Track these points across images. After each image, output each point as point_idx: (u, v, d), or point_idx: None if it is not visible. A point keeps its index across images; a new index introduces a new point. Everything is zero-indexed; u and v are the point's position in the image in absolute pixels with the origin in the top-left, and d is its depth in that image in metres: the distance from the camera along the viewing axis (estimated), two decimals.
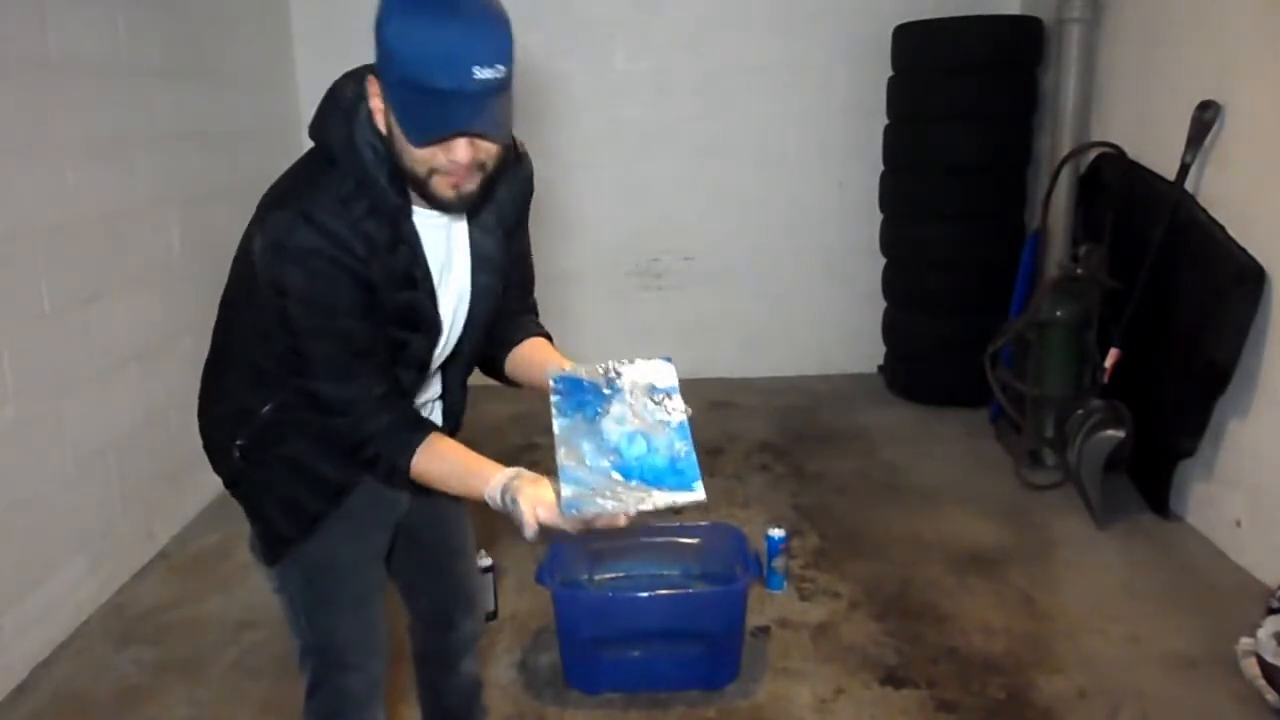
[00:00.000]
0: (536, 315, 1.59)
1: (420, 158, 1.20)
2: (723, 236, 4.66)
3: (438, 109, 1.14)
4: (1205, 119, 2.96)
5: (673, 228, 4.66)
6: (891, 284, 4.46)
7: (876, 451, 3.82)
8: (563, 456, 1.20)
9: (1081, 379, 3.37)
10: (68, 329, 2.67)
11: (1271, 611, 2.32)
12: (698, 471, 1.21)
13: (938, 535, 3.08)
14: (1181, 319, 3.07)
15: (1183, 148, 3.02)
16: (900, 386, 4.44)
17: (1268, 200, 2.76)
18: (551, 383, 1.30)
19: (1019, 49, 4.01)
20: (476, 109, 1.15)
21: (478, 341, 1.48)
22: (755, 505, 3.32)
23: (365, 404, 1.29)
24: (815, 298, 4.72)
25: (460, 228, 1.39)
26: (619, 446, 1.22)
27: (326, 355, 1.28)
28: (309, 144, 1.33)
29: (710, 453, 3.79)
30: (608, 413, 1.26)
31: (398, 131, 1.19)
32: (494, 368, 1.54)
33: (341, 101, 1.27)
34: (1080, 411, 3.21)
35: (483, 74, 1.12)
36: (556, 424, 1.24)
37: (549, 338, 1.54)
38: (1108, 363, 3.23)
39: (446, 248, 1.37)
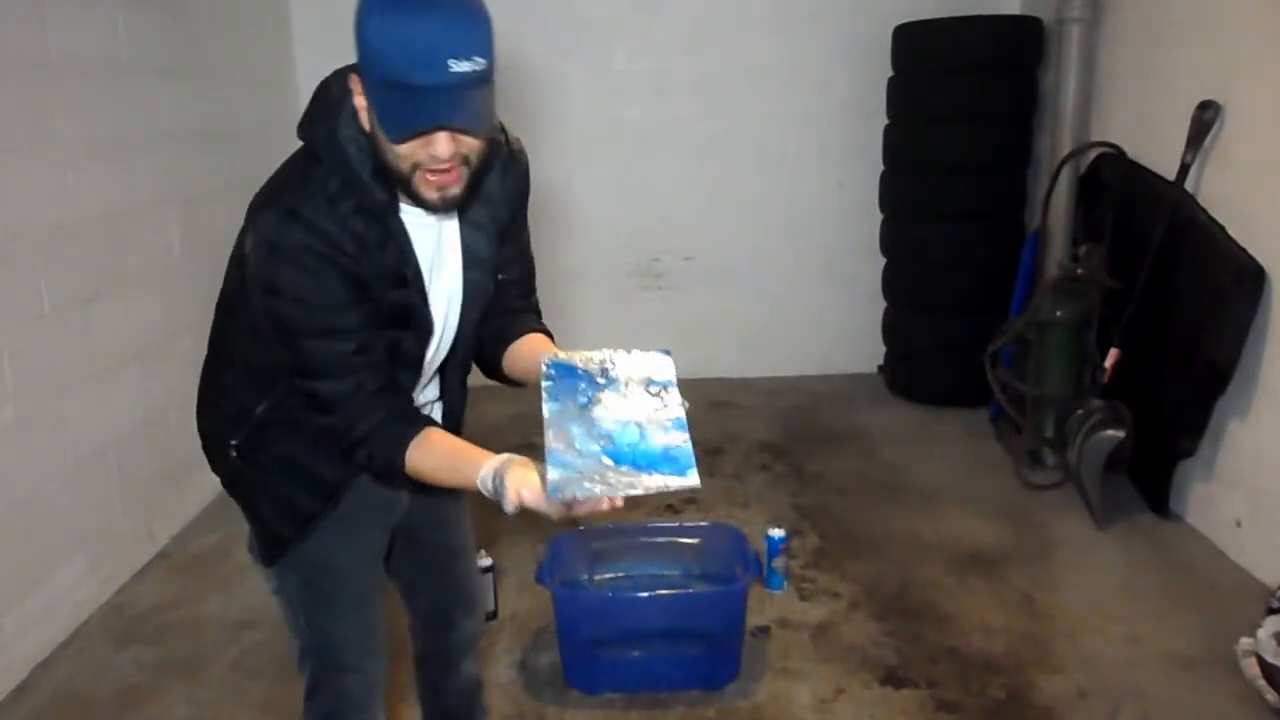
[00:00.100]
0: (538, 313, 1.58)
1: (402, 154, 1.19)
2: (723, 236, 4.66)
3: (415, 104, 1.14)
4: (1205, 119, 2.96)
5: (673, 228, 4.66)
6: (891, 284, 4.46)
7: (876, 451, 3.82)
8: (551, 440, 1.17)
9: (1081, 379, 3.37)
10: (68, 329, 2.67)
11: (1271, 611, 2.32)
12: (693, 460, 1.17)
13: (938, 535, 3.08)
14: (1181, 319, 3.07)
15: (1183, 148, 3.02)
16: (900, 386, 4.44)
17: (1268, 200, 2.76)
18: (544, 368, 1.28)
19: (1019, 49, 4.01)
20: (455, 103, 1.14)
21: (471, 340, 1.47)
22: (755, 505, 3.32)
23: (359, 401, 1.29)
24: (815, 298, 4.72)
25: (451, 225, 1.39)
26: (611, 432, 1.19)
27: (320, 353, 1.27)
28: None
29: (710, 453, 3.79)
30: (600, 401, 1.22)
31: (379, 128, 1.19)
32: (493, 367, 1.53)
33: (327, 100, 1.27)
34: (1080, 411, 3.21)
35: (459, 67, 1.11)
36: (546, 408, 1.21)
37: (549, 335, 1.53)
38: (1108, 363, 3.23)
39: (437, 245, 1.37)
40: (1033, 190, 4.16)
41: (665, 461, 1.16)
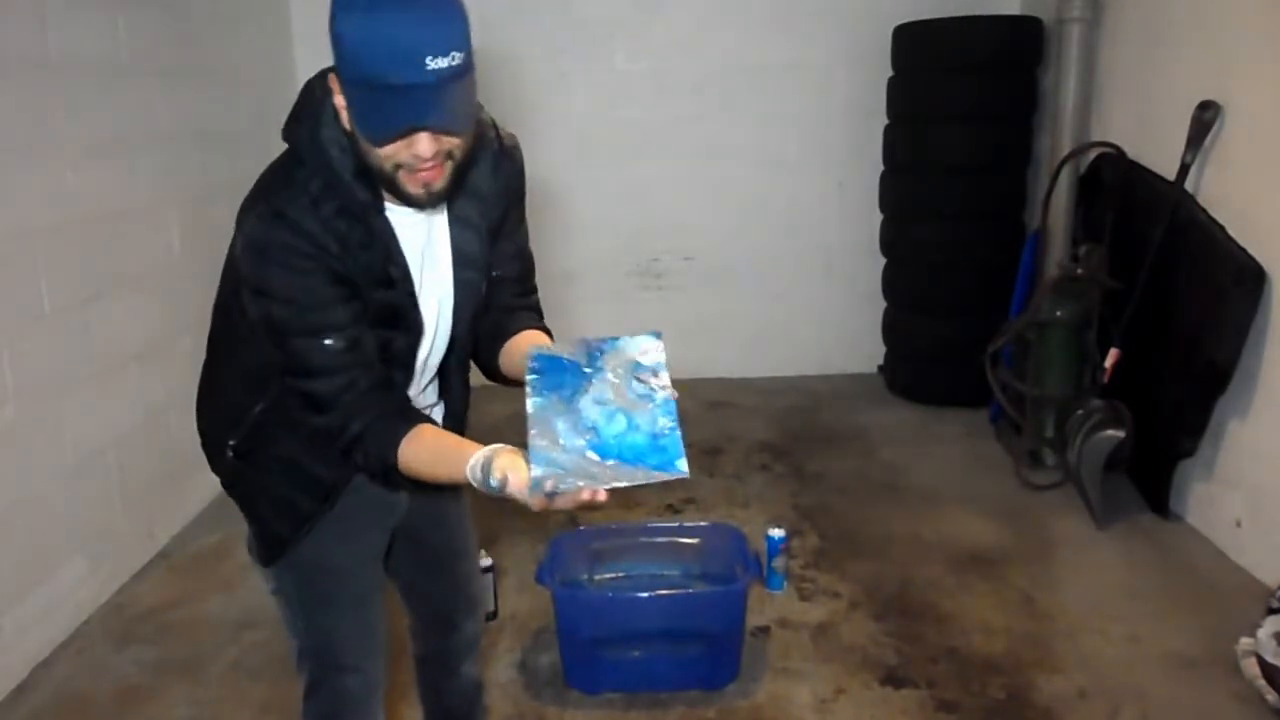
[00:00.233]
0: (539, 311, 1.55)
1: (384, 154, 1.18)
2: (723, 236, 4.66)
3: (393, 105, 1.11)
4: (1205, 119, 2.96)
5: (673, 228, 4.66)
6: (891, 284, 4.46)
7: (876, 451, 3.82)
8: (534, 437, 1.14)
9: (1081, 379, 3.37)
10: (68, 329, 2.67)
11: (1271, 611, 2.31)
12: (681, 449, 1.13)
13: (938, 535, 3.08)
14: (1181, 319, 3.07)
15: (1183, 148, 3.02)
16: (900, 386, 4.44)
17: (1268, 200, 2.76)
18: (530, 361, 1.25)
19: (1019, 49, 4.01)
20: (434, 101, 1.12)
21: (467, 339, 1.46)
22: (755, 505, 3.32)
23: (351, 399, 1.28)
24: (815, 298, 4.72)
25: (440, 223, 1.37)
26: (596, 424, 1.15)
27: (311, 351, 1.27)
28: None
29: (710, 453, 3.79)
30: (586, 392, 1.19)
31: (358, 130, 1.18)
32: (490, 366, 1.51)
33: (310, 101, 1.27)
34: (1080, 411, 3.21)
35: (436, 64, 1.08)
36: (530, 403, 1.18)
37: (548, 332, 1.50)
38: (1108, 363, 3.23)
39: (425, 244, 1.36)
40: (1033, 190, 4.16)
41: (653, 452, 1.13)
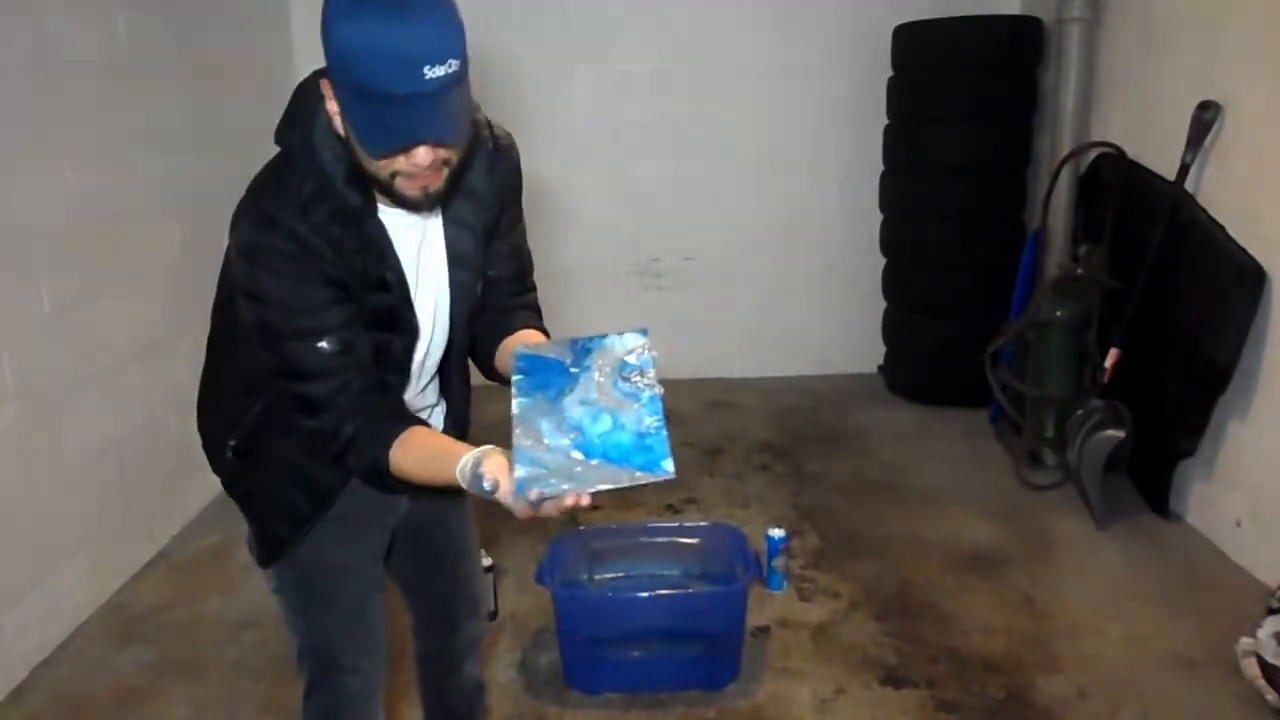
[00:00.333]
0: (537, 310, 1.54)
1: (381, 164, 1.17)
2: (722, 236, 4.66)
3: (393, 116, 1.10)
4: (1205, 119, 2.96)
5: (673, 228, 4.66)
6: (891, 284, 4.46)
7: (876, 452, 3.82)
8: (519, 437, 1.12)
9: (1081, 379, 3.37)
10: (68, 329, 2.66)
11: (1271, 611, 2.31)
12: (667, 448, 1.11)
13: (937, 535, 3.08)
14: (1181, 319, 3.07)
15: (1183, 148, 3.02)
16: (900, 387, 4.44)
17: (1268, 200, 2.76)
18: (516, 361, 1.24)
19: (1019, 49, 4.01)
20: (432, 112, 1.10)
21: (464, 339, 1.46)
22: (755, 505, 3.32)
23: (344, 402, 1.27)
24: (815, 298, 4.72)
25: (435, 224, 1.36)
26: (581, 424, 1.13)
27: (303, 354, 1.26)
28: None
29: (710, 453, 3.79)
30: (572, 391, 1.17)
31: (355, 141, 1.16)
32: (487, 365, 1.50)
33: (303, 104, 1.26)
34: (1080, 411, 3.21)
35: (434, 72, 1.06)
36: (515, 404, 1.17)
37: (545, 331, 1.49)
38: (1108, 363, 3.23)
39: (420, 246, 1.35)
40: (1033, 190, 4.16)
41: (639, 451, 1.11)
